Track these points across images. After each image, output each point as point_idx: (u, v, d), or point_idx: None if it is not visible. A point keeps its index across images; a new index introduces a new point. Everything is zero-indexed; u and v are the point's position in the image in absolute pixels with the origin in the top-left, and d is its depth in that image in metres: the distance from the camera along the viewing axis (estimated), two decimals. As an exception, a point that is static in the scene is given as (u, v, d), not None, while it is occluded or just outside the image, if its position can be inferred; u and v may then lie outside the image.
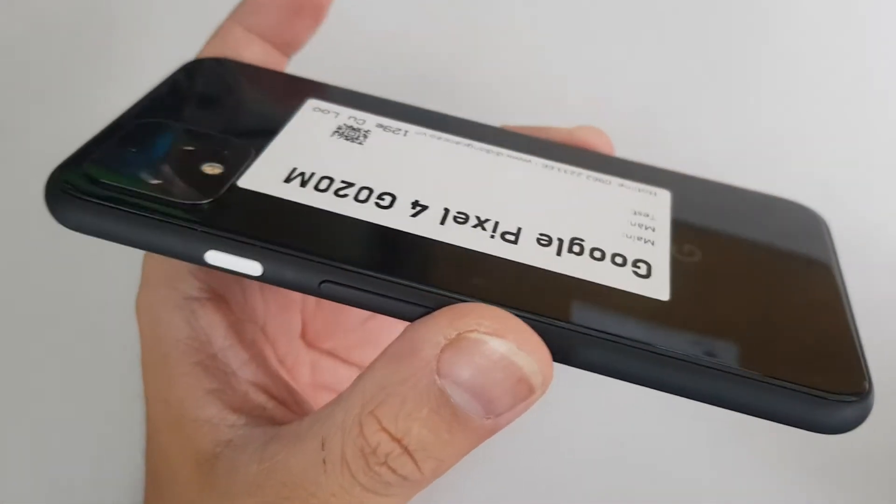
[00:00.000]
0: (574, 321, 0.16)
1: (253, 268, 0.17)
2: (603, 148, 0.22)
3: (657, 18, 0.38)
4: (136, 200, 0.17)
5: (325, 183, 0.19)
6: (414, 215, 0.18)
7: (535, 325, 0.16)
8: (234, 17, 0.23)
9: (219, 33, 0.23)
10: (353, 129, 0.21)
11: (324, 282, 0.17)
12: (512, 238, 0.18)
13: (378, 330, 0.26)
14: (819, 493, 0.27)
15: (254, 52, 0.23)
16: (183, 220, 0.17)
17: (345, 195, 0.18)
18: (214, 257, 0.17)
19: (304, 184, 0.18)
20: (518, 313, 0.16)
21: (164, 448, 0.20)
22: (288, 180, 0.18)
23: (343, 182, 0.19)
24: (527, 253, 0.18)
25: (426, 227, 0.18)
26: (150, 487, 0.21)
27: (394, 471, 0.16)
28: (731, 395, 0.16)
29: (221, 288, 0.21)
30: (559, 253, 0.18)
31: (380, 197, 0.18)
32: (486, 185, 0.20)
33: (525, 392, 0.16)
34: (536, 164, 0.21)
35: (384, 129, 0.21)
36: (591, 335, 0.16)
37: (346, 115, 0.21)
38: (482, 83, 0.37)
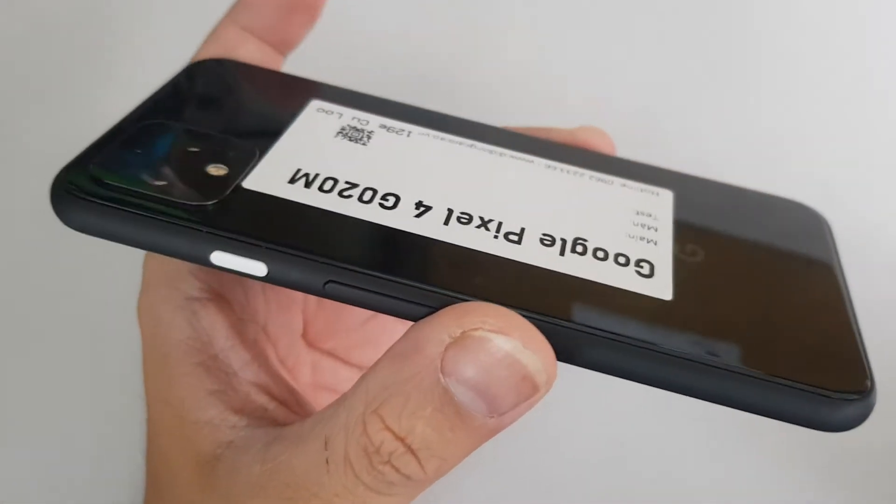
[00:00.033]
0: (577, 320, 0.16)
1: (258, 268, 0.17)
2: (605, 148, 0.22)
3: (657, 18, 0.38)
4: (141, 201, 0.17)
5: (329, 184, 0.19)
6: (418, 216, 0.18)
7: (539, 325, 0.16)
8: (230, 16, 0.23)
9: (214, 33, 0.23)
10: (357, 129, 0.21)
11: (328, 282, 0.17)
12: (515, 238, 0.18)
13: (378, 330, 0.26)
14: (821, 493, 0.27)
15: (249, 52, 0.23)
16: (188, 220, 0.17)
17: (349, 196, 0.18)
18: (220, 258, 0.17)
19: (308, 185, 0.18)
20: (522, 313, 0.16)
21: (165, 450, 0.20)
22: (292, 181, 0.18)
23: (347, 183, 0.19)
24: (530, 253, 0.18)
25: (430, 227, 0.18)
26: (151, 489, 0.21)
27: (397, 470, 0.16)
28: (733, 393, 0.16)
29: (223, 288, 0.21)
30: (562, 253, 0.18)
31: (384, 198, 0.18)
32: (489, 186, 0.20)
33: (529, 390, 0.16)
34: (539, 165, 0.21)
35: (388, 130, 0.21)
36: (594, 334, 0.16)
37: (350, 115, 0.21)
38: (482, 83, 0.37)
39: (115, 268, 0.26)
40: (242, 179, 0.18)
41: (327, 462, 0.17)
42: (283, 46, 0.24)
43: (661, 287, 0.18)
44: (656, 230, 0.19)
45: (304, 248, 0.17)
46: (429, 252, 0.18)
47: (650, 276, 0.18)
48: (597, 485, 0.27)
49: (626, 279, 0.18)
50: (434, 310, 0.16)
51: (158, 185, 0.18)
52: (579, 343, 0.16)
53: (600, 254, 0.18)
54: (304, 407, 0.21)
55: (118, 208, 0.17)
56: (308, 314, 0.25)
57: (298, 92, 0.22)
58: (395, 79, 0.35)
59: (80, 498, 0.25)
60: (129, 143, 0.19)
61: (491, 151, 0.21)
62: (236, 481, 0.18)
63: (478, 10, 0.38)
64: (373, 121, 0.21)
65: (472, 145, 0.21)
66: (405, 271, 0.17)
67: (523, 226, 0.18)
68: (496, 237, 0.18)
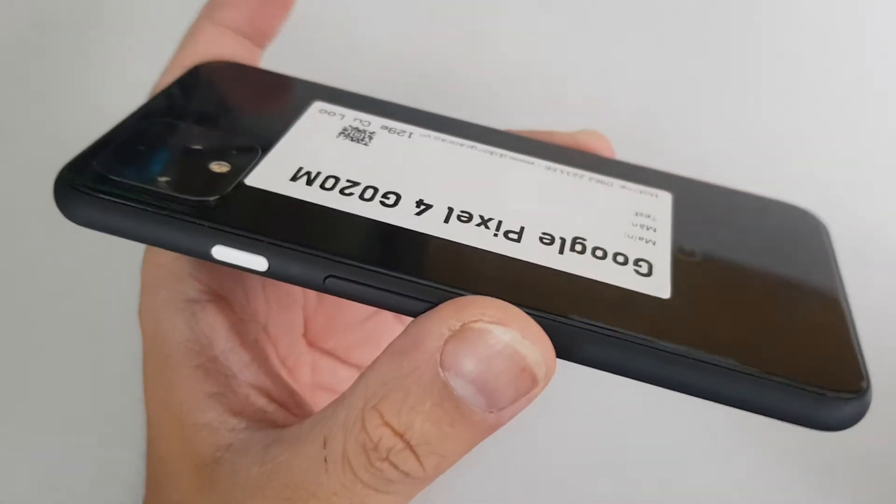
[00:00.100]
0: (576, 317, 0.16)
1: (259, 263, 0.17)
2: (604, 151, 0.22)
3: (657, 18, 0.38)
4: (144, 196, 0.17)
5: (330, 182, 0.19)
6: (418, 214, 0.18)
7: (538, 321, 0.16)
8: (204, 14, 0.23)
9: (191, 32, 0.23)
10: (359, 130, 0.21)
11: (329, 277, 0.17)
12: (515, 237, 0.18)
13: (378, 330, 0.26)
14: (818, 492, 0.27)
15: (228, 47, 0.23)
16: (191, 215, 0.17)
17: (350, 194, 0.18)
18: (221, 252, 0.17)
19: (310, 182, 0.19)
20: (520, 309, 0.16)
21: (164, 453, 0.20)
22: (294, 179, 0.19)
23: (348, 181, 0.19)
24: (529, 251, 0.18)
25: (430, 225, 0.18)
26: (150, 492, 0.21)
27: (396, 467, 0.16)
28: (730, 391, 0.16)
29: (223, 289, 0.21)
30: (561, 251, 0.18)
31: (385, 196, 0.19)
32: (490, 186, 0.20)
33: (528, 383, 0.16)
34: (539, 166, 0.21)
35: (389, 131, 0.21)
36: (592, 331, 0.16)
37: (352, 116, 0.21)
38: (482, 83, 0.37)
39: (116, 268, 0.26)
40: (245, 177, 0.18)
41: (326, 461, 0.17)
42: (262, 38, 0.24)
43: (660, 286, 0.18)
44: (655, 231, 0.20)
45: (304, 243, 0.17)
46: (428, 249, 0.18)
47: (648, 274, 0.18)
48: (594, 483, 0.27)
49: (624, 278, 0.18)
50: (433, 305, 0.16)
51: (162, 181, 0.18)
52: (578, 339, 0.16)
53: (599, 253, 0.18)
54: (304, 408, 0.21)
55: (122, 203, 0.17)
56: (308, 313, 0.25)
57: (301, 93, 0.22)
58: (395, 79, 0.35)
59: (81, 498, 0.25)
60: (133, 140, 0.19)
61: (492, 153, 0.21)
62: (235, 484, 0.18)
63: (478, 11, 0.38)
64: (374, 122, 0.21)
65: (472, 147, 0.21)
66: (405, 267, 0.17)
67: (523, 224, 0.19)
68: (496, 235, 0.18)
